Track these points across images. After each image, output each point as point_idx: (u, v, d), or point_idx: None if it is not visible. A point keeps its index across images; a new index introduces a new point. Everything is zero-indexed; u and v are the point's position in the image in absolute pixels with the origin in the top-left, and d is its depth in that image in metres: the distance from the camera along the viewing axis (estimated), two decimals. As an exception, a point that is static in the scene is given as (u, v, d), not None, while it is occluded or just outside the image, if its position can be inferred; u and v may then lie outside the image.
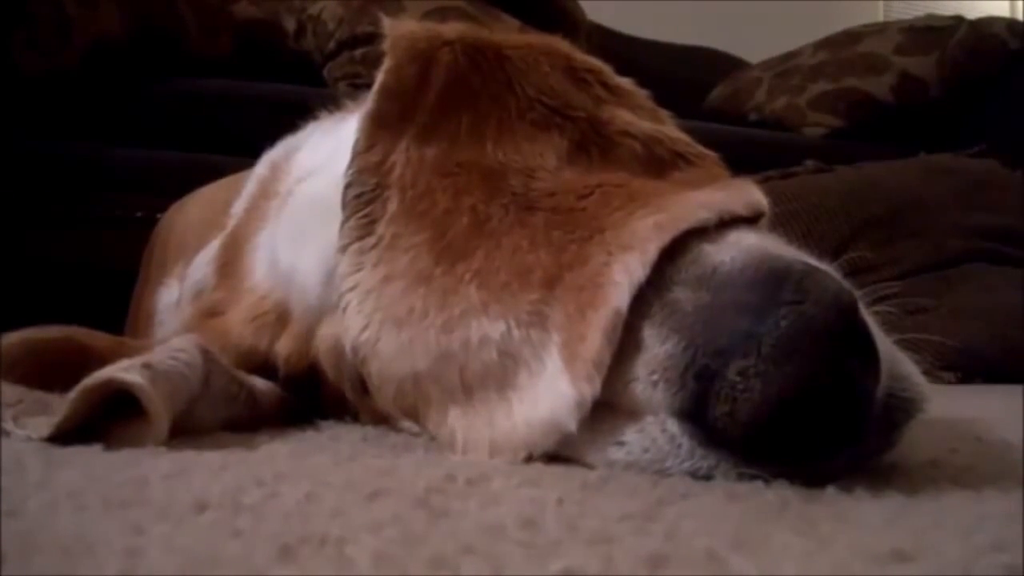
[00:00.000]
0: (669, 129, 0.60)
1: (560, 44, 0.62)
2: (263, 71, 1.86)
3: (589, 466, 0.46)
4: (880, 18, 3.77)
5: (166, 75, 1.69)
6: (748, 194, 0.51)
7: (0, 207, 1.40)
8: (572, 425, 0.44)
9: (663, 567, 0.29)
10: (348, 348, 0.53)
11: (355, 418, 0.63)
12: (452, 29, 0.59)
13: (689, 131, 0.61)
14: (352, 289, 0.52)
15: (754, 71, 2.64)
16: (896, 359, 0.44)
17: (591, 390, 0.44)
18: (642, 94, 0.63)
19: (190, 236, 0.91)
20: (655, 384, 0.43)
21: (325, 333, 0.60)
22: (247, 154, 0.88)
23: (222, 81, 1.74)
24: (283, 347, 0.63)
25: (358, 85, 1.83)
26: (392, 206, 0.53)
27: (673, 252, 0.45)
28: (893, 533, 0.33)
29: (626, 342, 0.44)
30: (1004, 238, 1.73)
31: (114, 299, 1.11)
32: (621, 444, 0.45)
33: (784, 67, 2.54)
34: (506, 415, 0.47)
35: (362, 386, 0.57)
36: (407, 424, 0.57)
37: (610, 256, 0.46)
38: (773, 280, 0.42)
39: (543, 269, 0.48)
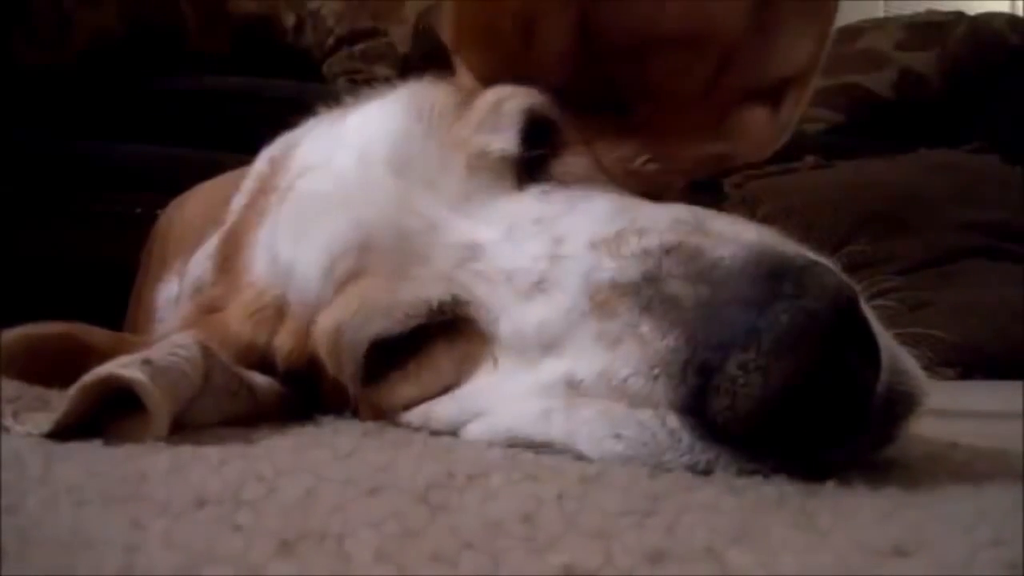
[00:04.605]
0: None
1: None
2: (262, 67, 1.86)
3: (588, 461, 0.46)
4: (881, 14, 3.75)
5: (165, 71, 1.69)
6: None
7: (-1, 203, 1.40)
8: None
9: (663, 561, 0.29)
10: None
11: (355, 413, 0.63)
12: None
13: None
14: None
15: (754, 68, 2.63)
16: (896, 354, 0.44)
17: None
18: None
19: (190, 232, 0.91)
20: (655, 378, 0.43)
21: (324, 321, 0.60)
22: (246, 150, 0.88)
23: (221, 77, 1.73)
24: (282, 342, 0.63)
25: (357, 81, 1.83)
26: None
27: (672, 246, 0.45)
28: (892, 527, 0.33)
29: (626, 336, 0.44)
30: (1003, 234, 1.73)
31: (113, 295, 1.11)
32: (620, 438, 0.45)
33: (784, 63, 2.53)
34: None
35: (364, 373, 0.57)
36: (405, 418, 0.57)
37: None
38: (773, 274, 0.42)
39: None
